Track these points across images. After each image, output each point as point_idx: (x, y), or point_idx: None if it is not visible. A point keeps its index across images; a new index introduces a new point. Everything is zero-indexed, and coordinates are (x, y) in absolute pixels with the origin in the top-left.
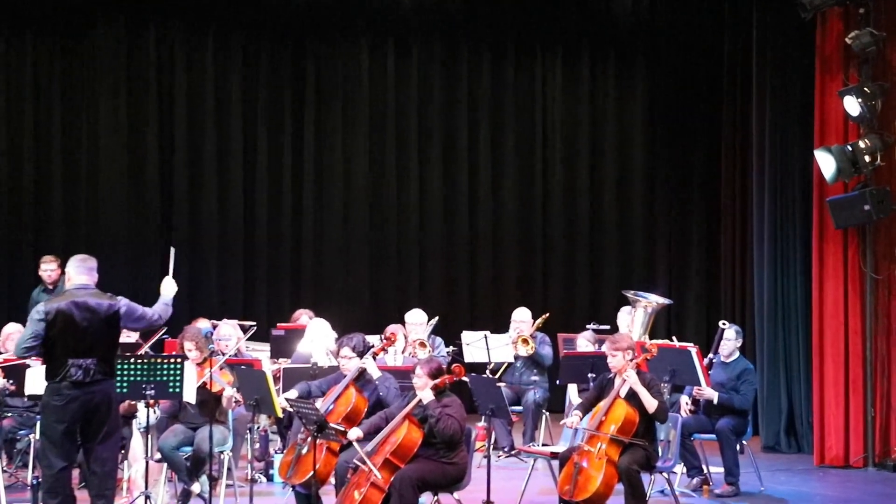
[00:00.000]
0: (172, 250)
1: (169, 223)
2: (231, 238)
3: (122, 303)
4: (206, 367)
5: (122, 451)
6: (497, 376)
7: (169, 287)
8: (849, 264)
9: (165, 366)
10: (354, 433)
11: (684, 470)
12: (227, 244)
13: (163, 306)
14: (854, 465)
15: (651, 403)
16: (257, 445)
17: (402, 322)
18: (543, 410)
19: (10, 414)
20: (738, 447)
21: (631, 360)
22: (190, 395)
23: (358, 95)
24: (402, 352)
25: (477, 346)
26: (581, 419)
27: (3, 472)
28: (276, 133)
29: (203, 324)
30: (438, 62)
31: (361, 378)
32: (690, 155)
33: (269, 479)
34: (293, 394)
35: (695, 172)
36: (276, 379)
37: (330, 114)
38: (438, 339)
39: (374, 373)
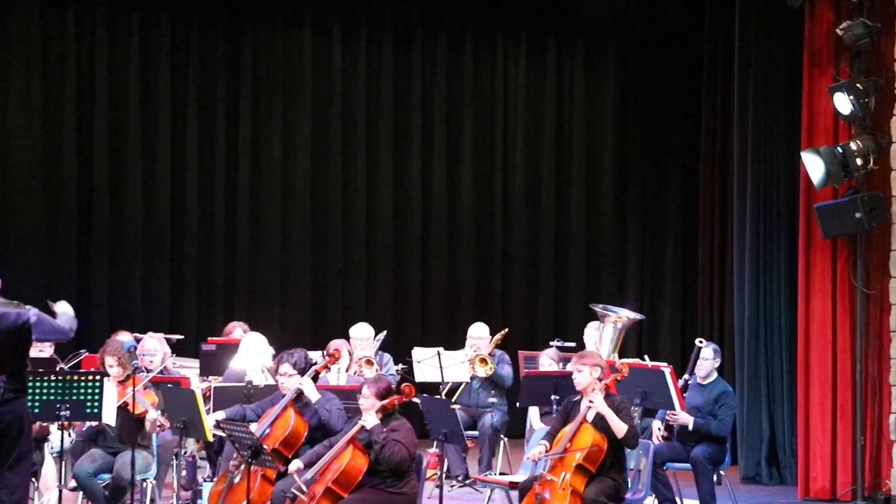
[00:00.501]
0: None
1: (88, 224)
2: (157, 241)
3: (32, 312)
4: (128, 386)
5: (34, 478)
6: (451, 398)
7: (64, 305)
8: (838, 278)
9: (82, 384)
10: (294, 465)
11: (656, 502)
12: (152, 248)
13: (69, 318)
14: (842, 498)
15: (620, 428)
16: (184, 473)
17: (347, 337)
18: (502, 436)
19: None
20: (714, 477)
21: (598, 380)
22: (109, 417)
23: (300, 86)
24: (347, 370)
25: (429, 364)
26: (547, 451)
27: None
28: (207, 126)
29: (125, 337)
30: (389, 51)
31: (302, 398)
32: (666, 157)
33: None
34: (221, 415)
35: (670, 176)
36: (205, 399)
37: (268, 106)
38: (387, 356)
39: (313, 395)
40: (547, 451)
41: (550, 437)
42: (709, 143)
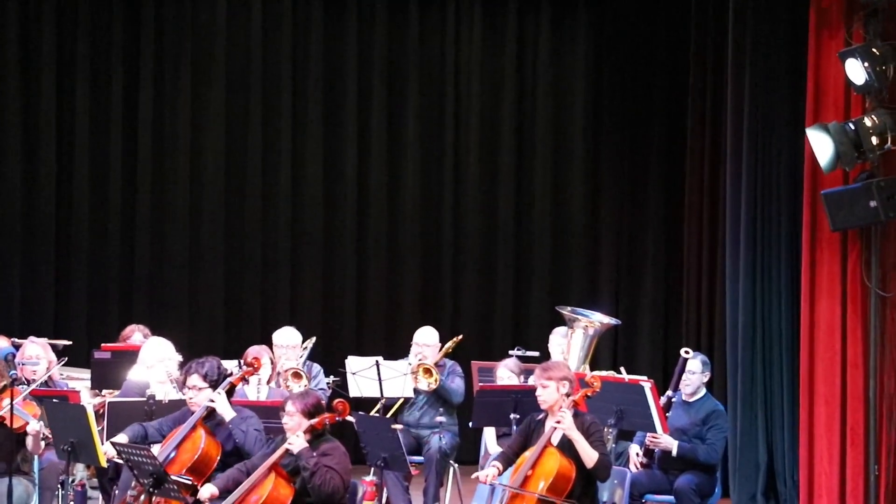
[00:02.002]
0: None
1: None
2: (39, 228)
3: None
4: (4, 399)
5: None
6: (392, 416)
7: None
8: (848, 278)
9: None
10: (207, 491)
11: None
12: (33, 236)
13: None
14: None
15: (590, 456)
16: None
17: (268, 343)
18: (451, 461)
19: None
20: None
21: (566, 396)
22: None
23: (212, 49)
24: (269, 382)
25: (366, 376)
26: (501, 473)
27: None
28: (101, 95)
29: (0, 343)
30: (320, 9)
31: (214, 416)
32: (646, 134)
33: None
34: (123, 438)
35: (651, 156)
36: (98, 416)
37: (174, 72)
38: (316, 367)
39: (226, 413)
40: (500, 475)
41: (505, 459)
42: (697, 118)
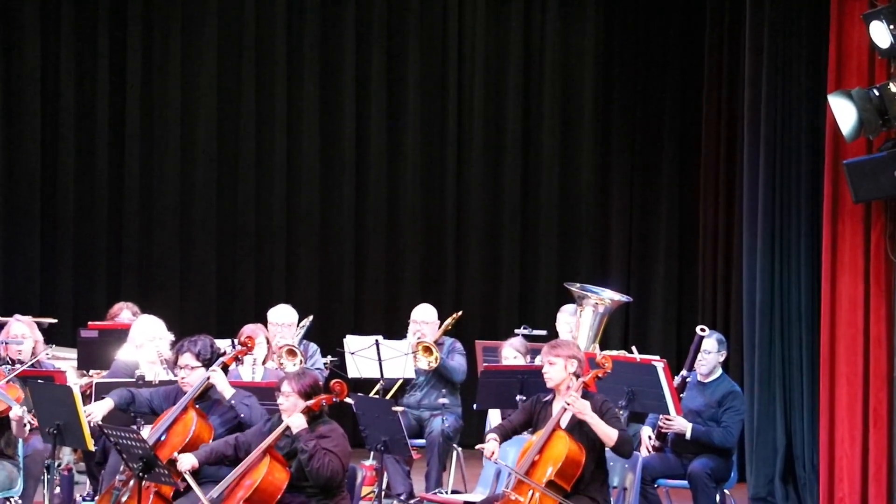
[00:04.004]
0: None
1: None
2: (24, 202)
3: None
4: None
5: None
6: (392, 398)
7: None
8: (872, 252)
9: None
10: (187, 461)
11: None
12: (18, 211)
13: None
14: None
15: (608, 434)
16: (58, 490)
17: (264, 322)
18: (454, 445)
19: None
20: (717, 497)
21: (575, 376)
22: None
23: (202, 14)
24: (264, 362)
25: (365, 356)
26: (498, 445)
27: None
28: (87, 60)
29: None
30: None
31: (206, 397)
32: (659, 102)
33: None
34: (107, 405)
35: (665, 126)
36: (85, 397)
37: (164, 37)
38: (313, 346)
39: (226, 391)
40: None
41: (502, 431)
42: (713, 86)
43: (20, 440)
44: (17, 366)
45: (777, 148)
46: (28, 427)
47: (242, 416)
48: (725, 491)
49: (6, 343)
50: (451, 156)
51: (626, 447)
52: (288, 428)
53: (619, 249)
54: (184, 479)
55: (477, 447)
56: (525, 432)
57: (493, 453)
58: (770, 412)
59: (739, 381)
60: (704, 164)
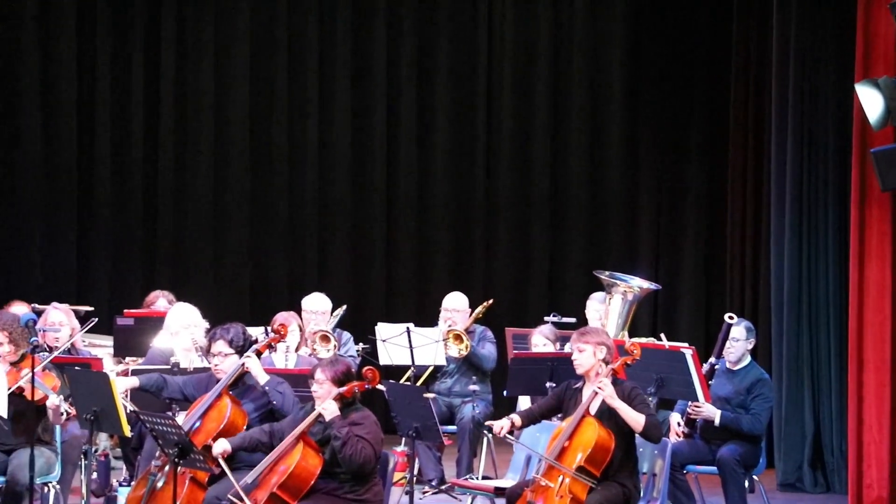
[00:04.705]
0: None
1: None
2: (60, 190)
3: None
4: (24, 368)
5: None
6: (423, 385)
7: None
8: None
9: None
10: (220, 446)
11: None
12: (55, 200)
13: None
14: None
15: (636, 420)
16: (95, 475)
17: (297, 310)
18: (485, 431)
19: None
20: (746, 484)
21: (604, 363)
22: (1, 408)
23: (236, 3)
24: (297, 349)
25: (396, 343)
26: (518, 427)
27: None
28: (122, 52)
29: (21, 309)
30: None
31: (240, 384)
32: (687, 90)
33: None
34: (130, 382)
35: (693, 115)
36: None
37: (197, 29)
38: (346, 334)
39: (260, 377)
40: (514, 428)
41: (528, 415)
42: (740, 74)
43: (57, 427)
44: (54, 353)
45: (805, 136)
46: (64, 415)
47: (275, 402)
48: (754, 477)
49: (44, 331)
50: (481, 145)
51: (654, 432)
52: (321, 415)
53: (648, 237)
54: (218, 465)
55: (488, 423)
56: (554, 418)
57: (500, 429)
58: (798, 399)
59: (768, 369)
60: (732, 152)
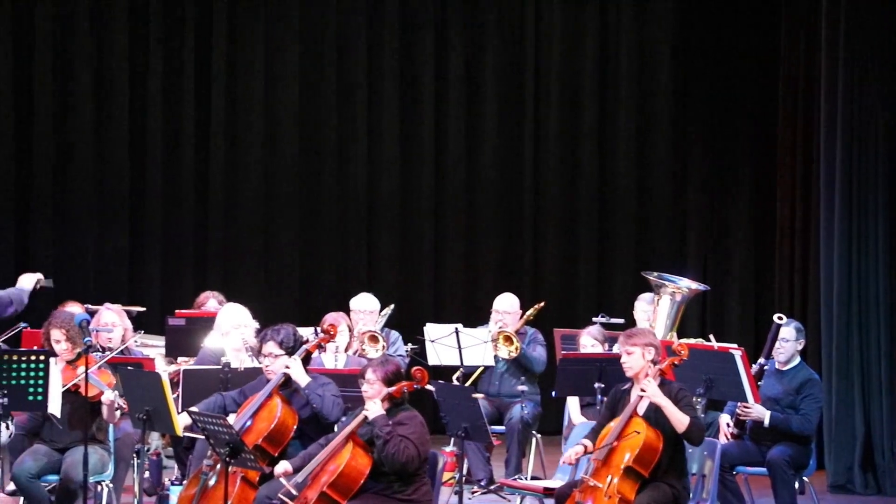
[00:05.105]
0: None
1: (28, 171)
2: (112, 193)
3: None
4: (79, 366)
5: None
6: (472, 385)
7: (28, 279)
8: None
9: (23, 365)
10: (281, 467)
11: None
12: (107, 201)
13: (17, 291)
14: None
15: (680, 420)
16: (147, 474)
17: (346, 310)
18: (533, 431)
19: None
20: (796, 485)
21: (652, 363)
22: (55, 406)
23: (286, 4)
24: (346, 349)
25: (445, 343)
26: (591, 451)
27: None
28: (174, 52)
29: (75, 309)
30: None
31: (290, 384)
32: (735, 91)
33: None
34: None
35: (741, 116)
36: (173, 384)
37: (248, 28)
38: (394, 334)
39: (301, 379)
40: (587, 452)
41: (594, 434)
42: (790, 74)
43: (111, 425)
44: (107, 353)
45: (854, 135)
46: (119, 412)
47: (315, 405)
48: (804, 478)
49: (97, 331)
50: (529, 146)
51: (696, 434)
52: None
53: (697, 238)
54: (269, 464)
55: (562, 461)
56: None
57: (576, 454)
58: (848, 400)
59: (817, 369)
60: (781, 153)
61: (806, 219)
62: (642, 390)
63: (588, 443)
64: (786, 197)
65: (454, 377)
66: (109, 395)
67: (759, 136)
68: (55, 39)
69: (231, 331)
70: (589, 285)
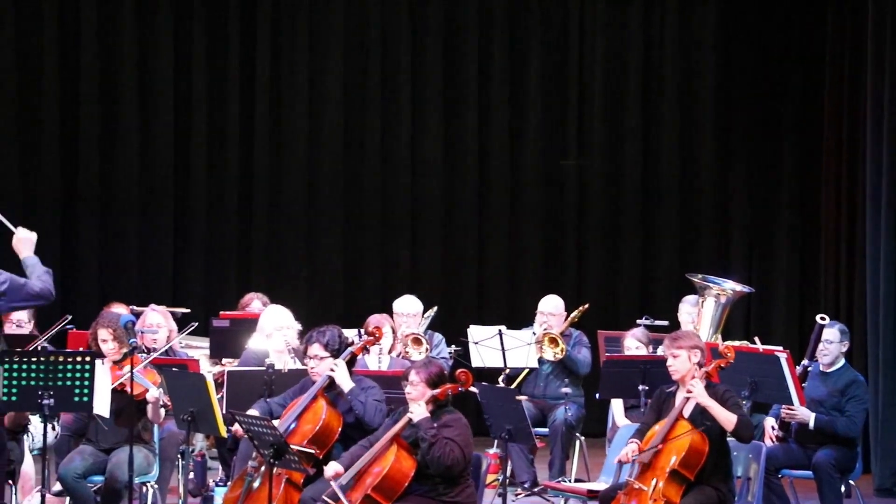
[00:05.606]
0: None
1: (73, 173)
2: (157, 195)
3: (3, 278)
4: (124, 366)
5: (10, 481)
6: (516, 387)
7: (25, 242)
8: None
9: (69, 366)
10: (332, 469)
11: None
12: (151, 203)
13: (43, 275)
14: None
15: (728, 419)
16: (192, 475)
17: (389, 312)
18: (577, 433)
19: None
20: (842, 488)
21: (698, 366)
22: (101, 407)
23: (329, 9)
24: (390, 351)
25: (488, 345)
26: (643, 450)
27: None
28: (218, 55)
29: (120, 310)
30: None
31: (335, 386)
32: (780, 93)
33: None
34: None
35: (785, 114)
36: (217, 385)
37: (291, 33)
38: (438, 336)
39: (345, 384)
40: (641, 451)
41: (640, 434)
42: (835, 76)
43: (156, 426)
44: (152, 353)
45: None
46: (164, 410)
47: (357, 411)
48: (850, 481)
49: (142, 332)
50: (572, 150)
51: (745, 431)
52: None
53: (741, 239)
54: (314, 466)
55: (615, 461)
56: None
57: (627, 454)
58: (895, 402)
59: (863, 371)
60: (826, 153)
61: (851, 219)
62: (689, 391)
63: (638, 442)
64: (831, 197)
65: (499, 379)
66: (154, 393)
67: (804, 138)
68: (100, 42)
69: (274, 332)
70: (633, 287)
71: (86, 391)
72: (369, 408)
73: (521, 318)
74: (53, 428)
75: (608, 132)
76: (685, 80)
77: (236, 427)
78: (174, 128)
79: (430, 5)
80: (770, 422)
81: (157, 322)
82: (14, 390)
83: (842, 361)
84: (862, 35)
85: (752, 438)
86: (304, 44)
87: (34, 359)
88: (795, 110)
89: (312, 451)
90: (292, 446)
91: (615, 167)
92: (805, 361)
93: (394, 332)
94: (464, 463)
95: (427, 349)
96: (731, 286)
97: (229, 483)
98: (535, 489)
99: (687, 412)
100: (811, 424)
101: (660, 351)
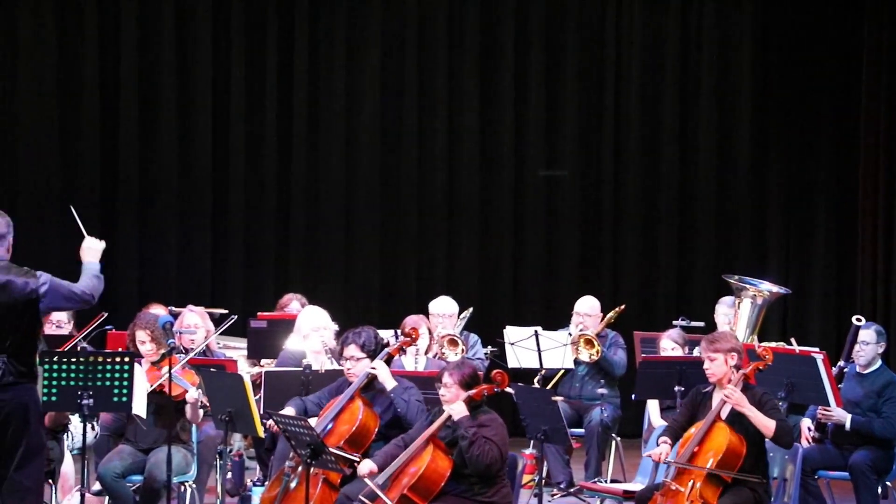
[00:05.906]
0: (73, 210)
1: (113, 175)
2: (196, 198)
3: (44, 280)
4: (163, 367)
5: (50, 480)
6: (551, 388)
7: (90, 251)
8: None
9: (108, 367)
10: (366, 467)
11: None
12: (190, 206)
13: (91, 279)
14: None
15: (767, 424)
16: (229, 475)
17: (425, 313)
18: (613, 434)
19: None
20: (879, 490)
21: (736, 368)
22: (140, 408)
23: (367, 8)
24: (426, 352)
25: (524, 346)
26: (672, 449)
27: None
28: (256, 59)
29: (159, 311)
30: None
31: (372, 387)
32: (817, 93)
33: None
34: (287, 412)
35: (823, 115)
36: (255, 386)
37: (329, 34)
38: (473, 337)
39: (388, 383)
40: (671, 450)
41: (672, 432)
42: (872, 71)
43: (194, 426)
44: (190, 353)
45: None
46: (202, 411)
47: (399, 410)
48: (888, 483)
49: (180, 333)
50: (608, 151)
51: (785, 437)
52: (449, 417)
53: (777, 241)
54: (350, 466)
55: (645, 454)
56: None
57: (661, 456)
58: None
59: None
60: (864, 154)
61: (888, 221)
62: (727, 397)
63: (669, 440)
64: (868, 199)
65: (535, 380)
66: (193, 394)
67: (841, 138)
68: (140, 47)
69: (311, 333)
70: (669, 288)
71: (125, 391)
72: (412, 407)
73: (557, 318)
74: (93, 428)
75: (644, 132)
76: (722, 80)
77: (270, 422)
78: (213, 130)
79: (467, 7)
80: (806, 423)
81: (195, 323)
82: (54, 390)
83: (878, 363)
84: None
85: (791, 444)
86: (342, 46)
87: (74, 359)
88: (833, 111)
89: (355, 458)
90: (330, 448)
91: (652, 167)
92: (841, 363)
93: (430, 332)
94: (501, 462)
95: (463, 350)
96: (768, 287)
97: (267, 483)
98: (571, 490)
99: (724, 414)
100: (847, 426)
101: (696, 352)
